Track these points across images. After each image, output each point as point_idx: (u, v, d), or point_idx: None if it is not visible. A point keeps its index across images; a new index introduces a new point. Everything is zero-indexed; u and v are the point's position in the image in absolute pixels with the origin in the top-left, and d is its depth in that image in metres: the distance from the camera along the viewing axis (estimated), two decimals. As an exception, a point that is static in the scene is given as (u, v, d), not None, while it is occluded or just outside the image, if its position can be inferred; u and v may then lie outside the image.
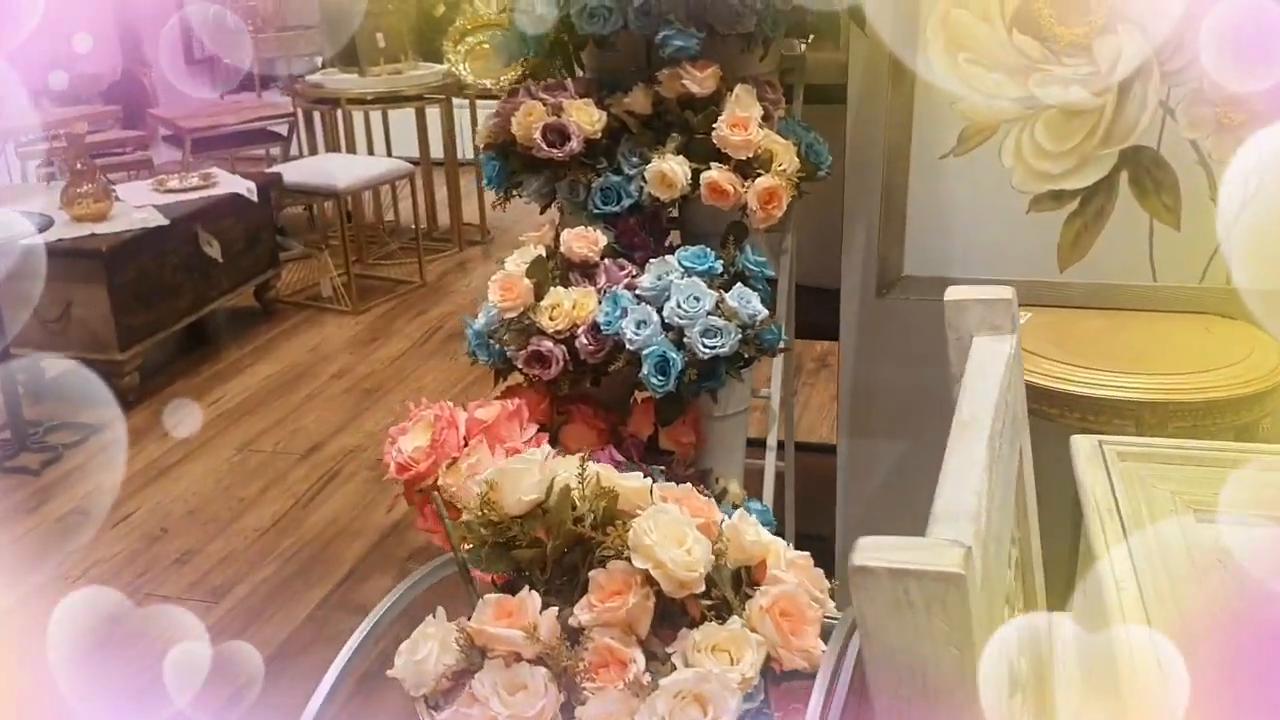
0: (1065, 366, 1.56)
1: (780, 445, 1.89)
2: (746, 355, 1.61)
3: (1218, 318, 1.72)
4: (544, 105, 1.78)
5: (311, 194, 4.43)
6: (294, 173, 4.39)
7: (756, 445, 1.85)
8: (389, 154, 5.49)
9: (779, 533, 1.32)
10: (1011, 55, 1.75)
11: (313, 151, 5.30)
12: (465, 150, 5.39)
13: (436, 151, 5.21)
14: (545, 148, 1.74)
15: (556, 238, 1.76)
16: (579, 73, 1.91)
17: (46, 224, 3.26)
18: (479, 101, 5.55)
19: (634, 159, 1.77)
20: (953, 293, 0.99)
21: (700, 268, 1.63)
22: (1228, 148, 1.69)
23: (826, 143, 1.84)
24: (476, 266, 5.15)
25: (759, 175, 1.67)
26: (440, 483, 1.53)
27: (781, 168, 1.68)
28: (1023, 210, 1.79)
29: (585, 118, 1.75)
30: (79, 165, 3.47)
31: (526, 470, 1.16)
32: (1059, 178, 1.77)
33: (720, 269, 1.65)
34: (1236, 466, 1.04)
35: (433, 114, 5.05)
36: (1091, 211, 1.76)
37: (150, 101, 6.66)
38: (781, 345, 1.68)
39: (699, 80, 1.71)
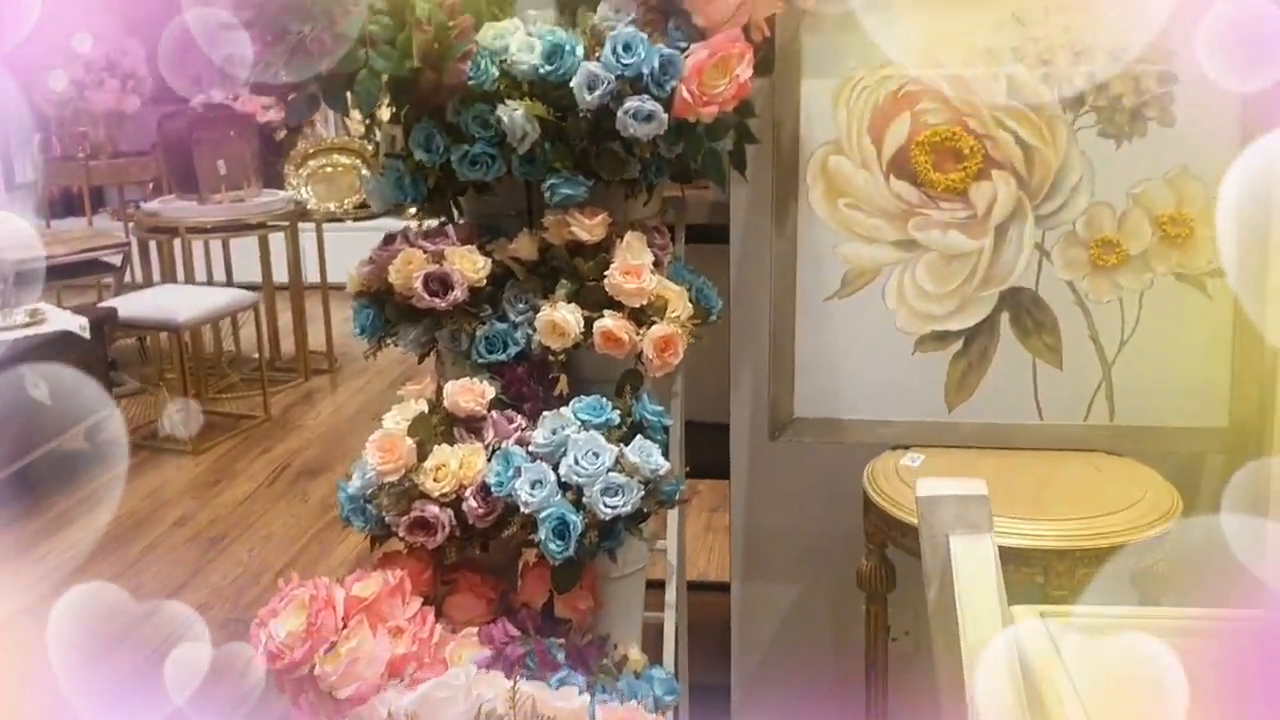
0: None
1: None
2: (648, 510, 1.55)
3: (1105, 455, 1.74)
4: (424, 253, 1.70)
5: (149, 329, 4.20)
6: (129, 307, 4.16)
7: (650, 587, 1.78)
8: (230, 281, 5.29)
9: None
10: (890, 201, 1.78)
11: (149, 282, 5.06)
12: (310, 274, 5.24)
13: (280, 275, 5.05)
14: (427, 297, 1.66)
15: (438, 390, 1.68)
16: (458, 217, 1.85)
17: None
18: (326, 225, 5.43)
19: (520, 305, 1.71)
20: (925, 487, 0.95)
21: (597, 420, 1.57)
22: (1103, 288, 1.74)
23: (715, 285, 1.83)
24: (324, 397, 4.97)
25: (653, 323, 1.63)
26: (317, 671, 1.40)
27: (675, 314, 1.64)
28: (909, 351, 1.80)
29: (469, 265, 1.68)
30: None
31: (450, 699, 1.06)
32: (942, 319, 1.79)
33: (618, 420, 1.59)
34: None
35: (277, 239, 4.90)
36: (975, 352, 1.79)
37: (-35, 229, 6.28)
38: (680, 497, 1.62)
39: (588, 228, 1.67)
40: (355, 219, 6.45)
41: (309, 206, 6.11)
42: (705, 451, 2.11)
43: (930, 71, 1.74)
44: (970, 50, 1.74)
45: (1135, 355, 1.74)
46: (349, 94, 1.66)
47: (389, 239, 1.79)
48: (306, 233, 5.31)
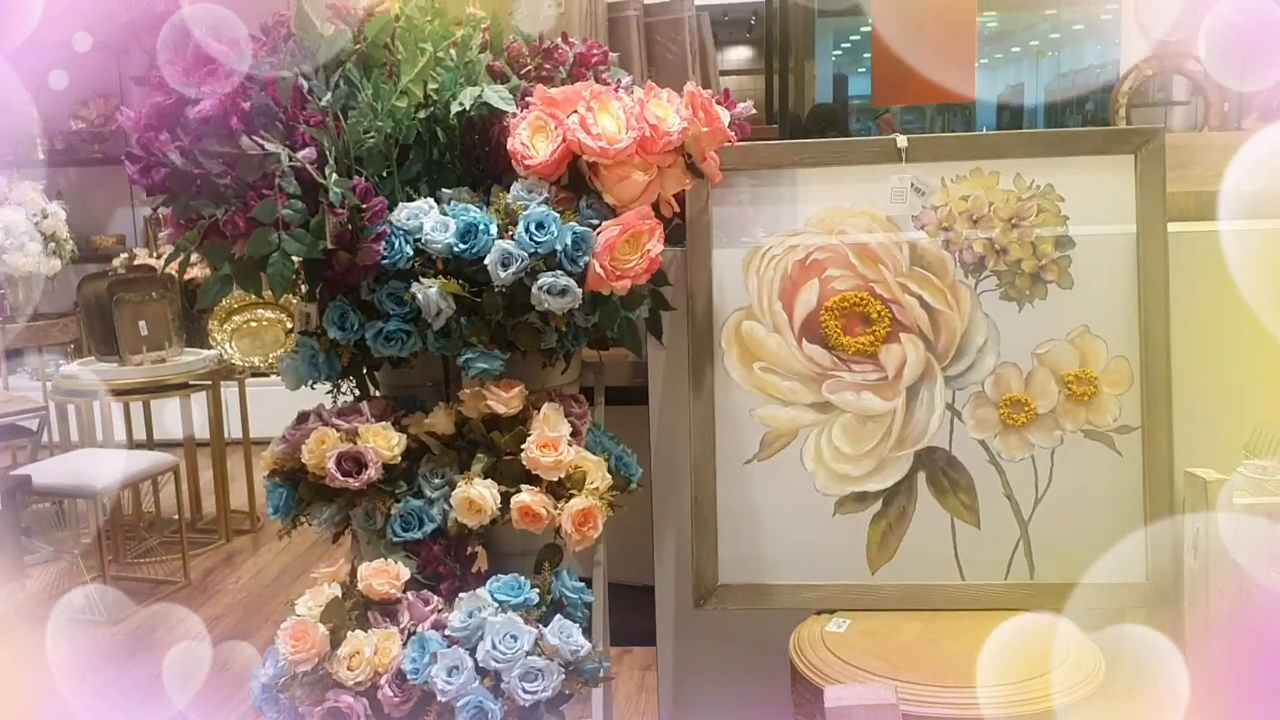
0: (897, 685, 1.53)
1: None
2: (569, 693, 1.51)
3: (1026, 613, 1.74)
4: (338, 432, 1.68)
5: (65, 495, 4.07)
6: (45, 473, 4.04)
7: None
8: (150, 440, 5.18)
9: None
10: (803, 364, 1.81)
11: (67, 444, 4.93)
12: (233, 431, 5.15)
13: (203, 432, 4.96)
14: (340, 477, 1.64)
15: (353, 571, 1.64)
16: (374, 392, 1.84)
17: None
18: (249, 381, 5.37)
19: (436, 481, 1.69)
20: (833, 696, 0.93)
21: (515, 600, 1.54)
22: (1015, 447, 1.77)
23: (634, 451, 1.82)
24: (245, 559, 4.82)
25: (571, 496, 1.61)
26: None
27: (594, 486, 1.63)
28: (829, 513, 1.80)
29: (383, 443, 1.67)
30: None
31: None
32: (860, 479, 1.80)
33: (536, 599, 1.56)
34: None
35: (199, 397, 4.82)
36: (894, 512, 1.79)
37: (-125, 393, 6.11)
38: (603, 675, 1.58)
39: (505, 400, 1.67)
40: (279, 373, 6.40)
41: (233, 362, 6.05)
42: (632, 616, 2.08)
43: (836, 240, 1.79)
44: (873, 219, 1.79)
45: (1050, 513, 1.76)
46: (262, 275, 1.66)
47: (302, 416, 1.77)
48: (230, 388, 5.25)
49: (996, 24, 11.09)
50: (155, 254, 6.33)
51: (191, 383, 4.68)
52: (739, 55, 10.50)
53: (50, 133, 6.61)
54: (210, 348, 6.11)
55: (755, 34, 9.45)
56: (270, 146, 1.58)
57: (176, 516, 4.80)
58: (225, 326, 6.57)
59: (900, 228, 1.78)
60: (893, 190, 1.77)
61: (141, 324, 4.65)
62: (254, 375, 5.97)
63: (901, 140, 1.77)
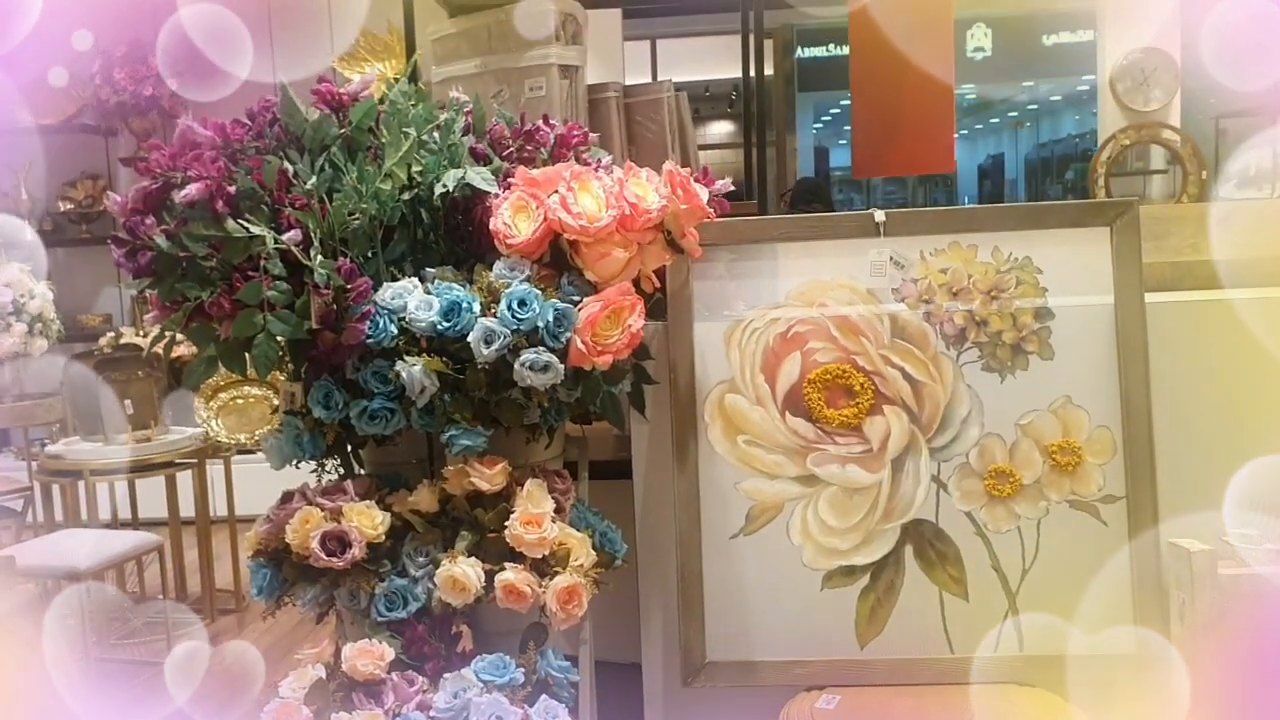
0: (886, 760, 1.51)
1: None
2: (555, 777, 1.48)
3: (1018, 686, 1.73)
4: (321, 511, 1.68)
5: (49, 577, 4.02)
6: (29, 554, 4.00)
7: None
8: (135, 519, 5.14)
9: None
10: (787, 437, 1.81)
11: (51, 524, 4.89)
12: (218, 508, 5.11)
13: (187, 510, 4.92)
14: (324, 557, 1.63)
15: (337, 652, 1.62)
16: (358, 470, 1.83)
17: None
18: (235, 459, 5.34)
19: (421, 559, 1.68)
20: None
21: (501, 681, 1.52)
22: (1001, 518, 1.77)
23: (619, 528, 1.82)
24: (230, 639, 4.76)
25: (556, 573, 1.61)
26: None
27: (578, 563, 1.62)
28: (817, 588, 1.80)
29: (367, 522, 1.66)
30: None
31: None
32: (847, 553, 1.80)
33: (522, 679, 1.54)
34: None
35: (184, 476, 4.79)
36: (883, 586, 1.79)
37: None
38: (591, 757, 1.56)
39: (488, 477, 1.66)
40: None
41: (219, 439, 6.02)
42: (619, 695, 2.05)
43: (817, 312, 1.81)
44: (854, 292, 1.81)
45: (1038, 584, 1.75)
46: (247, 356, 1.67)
47: (287, 496, 1.77)
48: (215, 466, 5.22)
49: (975, 96, 11.30)
50: (141, 333, 6.33)
51: (177, 461, 4.66)
52: (720, 129, 10.66)
53: (38, 213, 6.64)
54: (196, 425, 6.09)
55: (736, 108, 9.60)
56: (256, 229, 1.59)
57: (160, 596, 4.74)
58: (211, 404, 6.54)
59: (881, 300, 1.80)
60: (872, 264, 1.80)
61: (127, 403, 4.63)
62: (240, 453, 5.94)
63: (879, 215, 1.79)
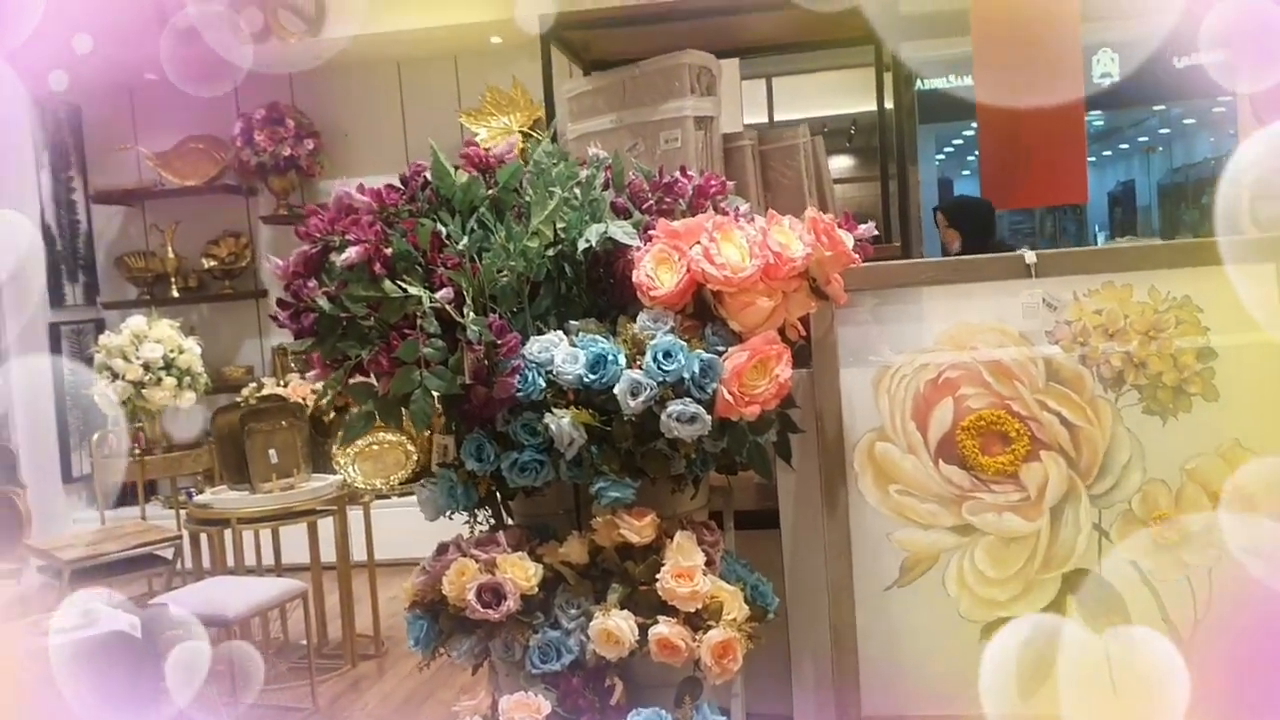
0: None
1: None
2: (716, 833, 1.47)
3: (1191, 743, 1.66)
4: (476, 563, 1.70)
5: (199, 624, 4.16)
6: (181, 602, 4.14)
7: None
8: (278, 565, 5.30)
9: None
10: (941, 485, 1.78)
11: (199, 572, 5.07)
12: (357, 554, 5.24)
13: (328, 555, 5.05)
14: (480, 609, 1.65)
15: (493, 704, 1.64)
16: (508, 521, 1.86)
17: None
18: (375, 504, 5.47)
19: (573, 611, 1.69)
20: None
21: (658, 736, 1.52)
22: (1168, 567, 1.70)
23: (769, 580, 1.80)
24: (371, 685, 4.85)
25: (709, 627, 1.60)
26: None
27: (731, 617, 1.62)
28: (976, 639, 1.75)
29: (521, 574, 1.68)
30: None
31: None
32: (1006, 604, 1.75)
33: (679, 734, 1.54)
34: None
35: (325, 522, 4.93)
36: (1044, 637, 1.73)
37: (21, 526, 6.38)
38: (749, 814, 1.54)
39: (637, 529, 1.67)
40: (400, 494, 6.52)
41: (356, 485, 6.18)
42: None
43: (968, 357, 1.78)
44: (1005, 335, 1.77)
45: (1212, 635, 1.68)
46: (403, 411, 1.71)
47: (442, 548, 1.80)
48: (355, 512, 5.35)
49: (1103, 122, 11.01)
50: (282, 383, 6.56)
51: (318, 508, 4.79)
52: (840, 164, 10.61)
53: (184, 271, 6.96)
54: (335, 472, 6.27)
55: (856, 143, 9.54)
56: (412, 289, 1.64)
57: (304, 642, 4.87)
58: (349, 450, 6.74)
59: (1034, 343, 1.76)
60: (1024, 306, 1.76)
61: (271, 452, 4.80)
62: (378, 497, 6.09)
63: (1030, 256, 1.76)
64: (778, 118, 7.92)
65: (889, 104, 3.03)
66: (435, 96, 6.81)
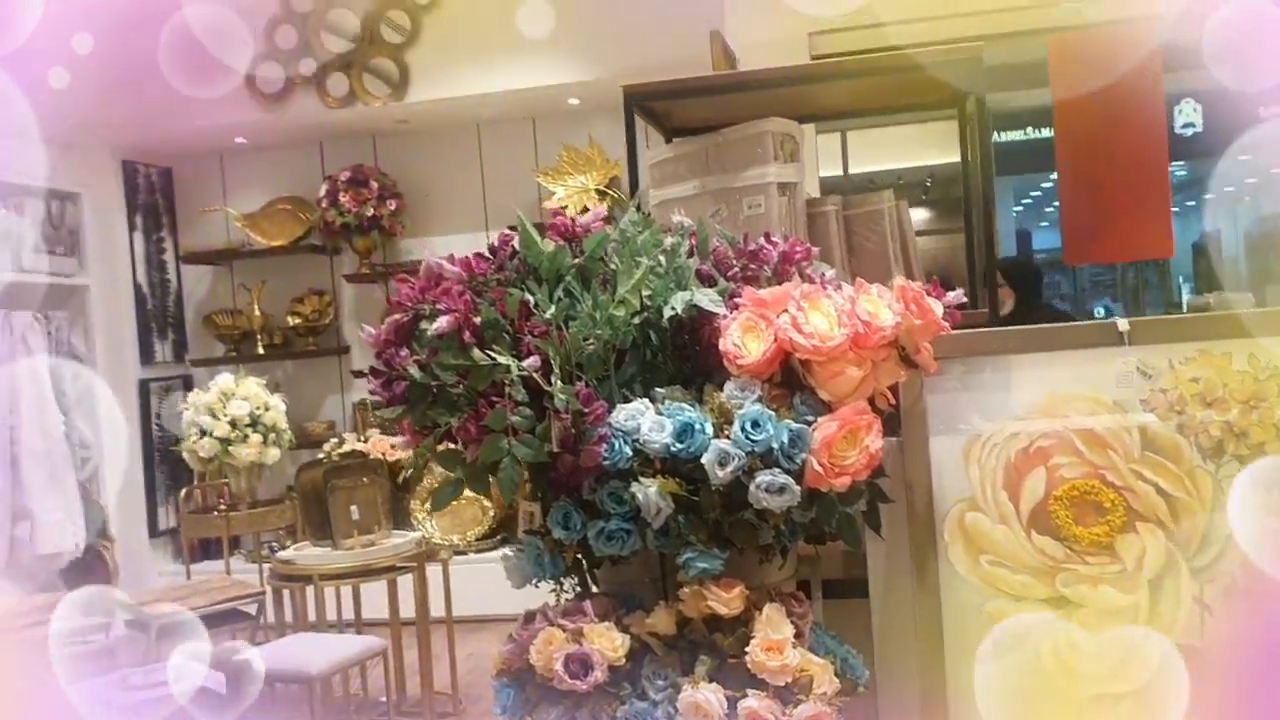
0: None
1: None
2: None
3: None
4: (564, 632, 1.70)
5: (283, 680, 4.22)
6: (265, 658, 4.20)
7: None
8: (358, 620, 5.35)
9: None
10: (1034, 556, 1.74)
11: (281, 626, 5.14)
12: (436, 610, 5.26)
13: (407, 610, 5.08)
14: (567, 679, 1.65)
15: (581, 777, 1.63)
16: (593, 589, 1.86)
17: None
18: (452, 561, 5.50)
19: (660, 683, 1.68)
20: None
21: (748, 814, 1.49)
22: (1276, 645, 1.64)
23: (859, 653, 1.78)
24: (449, 744, 4.86)
25: (800, 701, 1.58)
26: None
27: (822, 690, 1.59)
28: (1070, 713, 1.70)
29: (608, 644, 1.67)
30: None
31: None
32: (1105, 679, 1.70)
33: (769, 812, 1.51)
34: None
35: (405, 580, 4.97)
36: (1147, 713, 1.67)
37: (110, 579, 6.53)
38: None
39: (726, 601, 1.66)
40: (477, 551, 6.55)
41: (434, 542, 6.23)
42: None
43: (1060, 425, 1.75)
44: (1098, 403, 1.74)
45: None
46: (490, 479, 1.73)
47: (529, 616, 1.80)
48: (433, 567, 5.39)
49: (1186, 172, 10.82)
50: (362, 439, 6.67)
51: (398, 565, 4.83)
52: (917, 217, 10.55)
53: (270, 328, 7.12)
54: (413, 527, 6.33)
55: (931, 195, 9.49)
56: (500, 358, 1.66)
57: (383, 699, 4.90)
58: (426, 505, 6.80)
59: (1128, 411, 1.72)
60: (1117, 374, 1.73)
61: (353, 508, 4.86)
62: (455, 554, 6.13)
63: (1123, 324, 1.73)
64: (853, 170, 7.93)
65: (971, 157, 3.01)
66: (513, 156, 6.93)
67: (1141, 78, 3.60)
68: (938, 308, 1.70)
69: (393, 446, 6.61)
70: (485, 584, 6.52)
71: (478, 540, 6.62)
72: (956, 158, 2.78)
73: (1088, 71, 3.57)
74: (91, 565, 6.52)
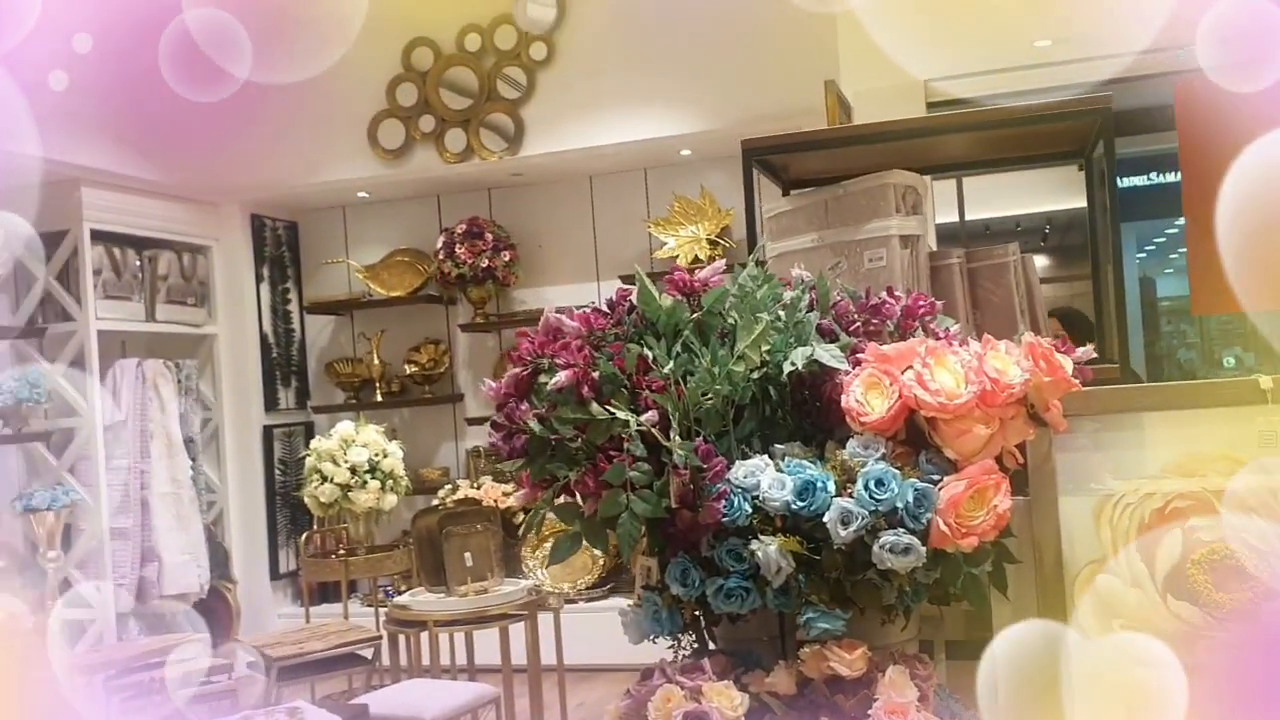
0: None
1: None
2: None
3: None
4: (682, 690, 1.69)
5: (396, 725, 4.27)
6: (380, 703, 4.27)
7: None
8: (470, 664, 5.39)
9: None
10: (1170, 622, 1.67)
11: (396, 671, 5.20)
12: (548, 657, 5.27)
13: (517, 658, 5.10)
14: (685, 738, 1.63)
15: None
16: (710, 646, 1.84)
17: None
18: (563, 609, 5.52)
19: (780, 744, 1.65)
20: None
21: None
22: None
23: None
24: (559, 794, 4.85)
25: (924, 768, 1.53)
26: None
27: (946, 758, 1.55)
28: (1216, 792, 1.62)
29: (727, 703, 1.65)
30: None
31: None
32: (1251, 754, 1.61)
33: None
34: None
35: (517, 628, 4.99)
36: (1296, 795, 1.58)
37: (231, 620, 6.71)
38: None
39: (848, 663, 1.62)
40: (588, 600, 6.56)
41: (545, 589, 6.26)
42: None
43: (1197, 486, 1.68)
44: (1237, 464, 1.67)
45: None
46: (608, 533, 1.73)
47: (647, 673, 1.79)
48: (545, 615, 5.40)
49: (1320, 217, 10.39)
50: (475, 485, 6.75)
51: (510, 613, 4.86)
52: (1035, 264, 10.34)
53: (388, 376, 7.29)
54: (524, 575, 6.38)
55: (1050, 242, 9.29)
56: (619, 413, 1.67)
57: (495, 747, 4.90)
58: (537, 554, 6.85)
59: (1270, 472, 1.65)
60: (1260, 434, 1.65)
61: (467, 555, 4.92)
62: (565, 602, 6.15)
63: (1266, 381, 1.66)
64: (970, 217, 7.82)
65: (1081, 202, 2.94)
66: (625, 206, 7.01)
67: (1270, 121, 3.48)
68: (1068, 364, 1.65)
69: (505, 494, 6.70)
70: (595, 633, 6.54)
71: (588, 589, 6.63)
72: (1076, 203, 2.72)
73: (1216, 119, 3.46)
74: (215, 606, 6.72)
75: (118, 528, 6.12)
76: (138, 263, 6.50)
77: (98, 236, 6.17)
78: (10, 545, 5.93)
